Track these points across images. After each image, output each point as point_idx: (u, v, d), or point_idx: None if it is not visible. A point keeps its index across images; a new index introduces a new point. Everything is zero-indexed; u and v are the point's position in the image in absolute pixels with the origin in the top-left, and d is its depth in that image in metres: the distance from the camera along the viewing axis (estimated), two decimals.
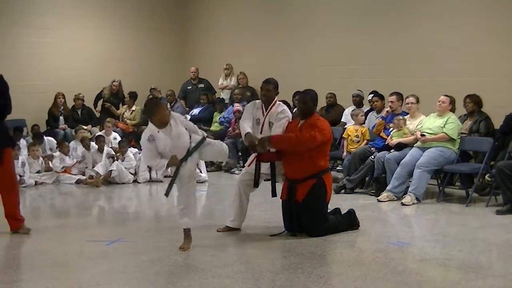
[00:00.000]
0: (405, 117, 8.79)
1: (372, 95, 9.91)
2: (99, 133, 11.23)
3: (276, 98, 6.56)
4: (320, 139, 6.10)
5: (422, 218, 7.39)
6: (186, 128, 5.68)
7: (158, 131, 5.49)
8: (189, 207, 5.71)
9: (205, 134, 5.97)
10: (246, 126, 6.49)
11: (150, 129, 5.56)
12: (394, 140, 8.57)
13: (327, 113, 10.70)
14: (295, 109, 10.89)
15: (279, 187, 6.47)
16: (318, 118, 6.35)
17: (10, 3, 12.91)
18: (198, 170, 10.01)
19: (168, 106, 12.78)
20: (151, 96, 12.66)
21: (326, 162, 6.42)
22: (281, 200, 6.40)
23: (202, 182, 9.71)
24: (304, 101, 6.36)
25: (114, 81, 12.92)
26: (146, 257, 5.45)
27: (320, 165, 6.22)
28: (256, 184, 6.43)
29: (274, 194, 6.45)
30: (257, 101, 6.68)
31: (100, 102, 13.14)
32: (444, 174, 8.44)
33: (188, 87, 13.27)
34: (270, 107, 6.48)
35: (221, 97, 12.86)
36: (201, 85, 13.16)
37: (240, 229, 6.56)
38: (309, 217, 6.17)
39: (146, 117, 5.91)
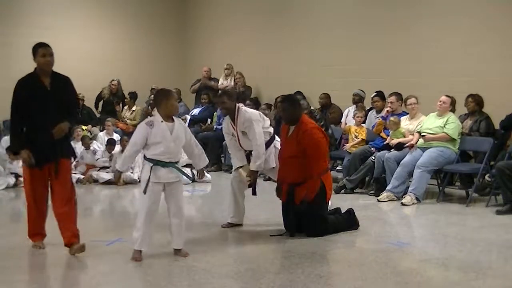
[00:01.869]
0: (403, 117, 8.81)
1: (375, 94, 9.90)
2: (103, 135, 11.26)
3: (237, 106, 6.46)
4: (323, 157, 6.18)
5: (422, 218, 7.39)
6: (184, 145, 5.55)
7: (162, 121, 5.34)
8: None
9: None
10: (235, 161, 6.60)
11: (155, 117, 5.40)
12: (394, 140, 8.59)
13: (323, 114, 10.68)
14: None
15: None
16: (306, 129, 6.16)
17: (11, 3, 12.92)
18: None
19: None
20: (157, 89, 12.64)
21: (326, 163, 6.42)
22: (281, 201, 6.41)
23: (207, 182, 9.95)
24: (283, 108, 6.27)
25: (112, 80, 12.92)
26: (146, 257, 5.44)
27: (322, 166, 6.22)
28: (254, 192, 6.56)
29: (254, 192, 6.55)
30: (226, 117, 6.61)
31: (100, 103, 13.15)
32: (444, 174, 8.45)
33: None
34: (235, 118, 6.42)
35: None
36: (212, 82, 13.07)
37: (242, 224, 6.66)
38: (308, 218, 6.17)
39: (154, 106, 5.65)
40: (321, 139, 6.18)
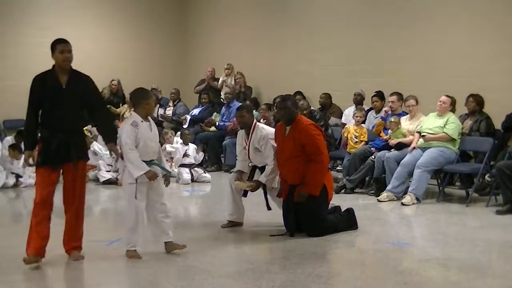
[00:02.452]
0: (403, 117, 8.81)
1: (375, 93, 9.91)
2: None
3: (254, 121, 6.60)
4: (323, 152, 6.17)
5: (422, 218, 7.39)
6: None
7: (142, 121, 5.43)
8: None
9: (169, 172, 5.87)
10: (238, 165, 6.75)
11: (135, 117, 5.47)
12: (394, 140, 8.58)
13: (323, 114, 10.68)
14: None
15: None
16: (302, 127, 6.18)
17: (12, 4, 12.93)
18: (202, 171, 10.10)
19: (170, 104, 12.78)
20: (157, 88, 12.66)
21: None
22: (282, 200, 6.43)
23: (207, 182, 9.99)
24: (284, 106, 6.23)
25: (112, 80, 12.89)
26: (146, 257, 5.44)
27: None
28: (268, 207, 6.62)
29: (268, 207, 6.62)
30: (242, 130, 6.72)
31: None
32: (444, 174, 8.44)
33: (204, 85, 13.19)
34: (251, 133, 6.51)
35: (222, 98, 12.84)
36: (215, 83, 13.02)
37: (242, 223, 6.67)
38: (308, 217, 6.18)
39: (132, 104, 5.73)
40: (318, 135, 6.19)
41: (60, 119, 5.20)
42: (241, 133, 6.72)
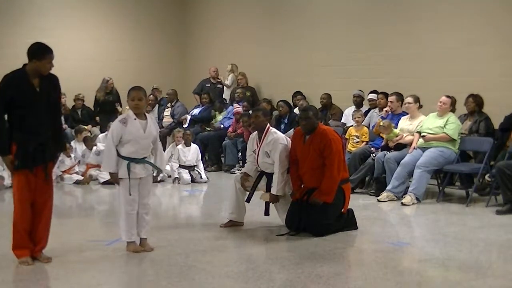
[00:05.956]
0: (403, 117, 8.79)
1: (376, 94, 9.90)
2: (102, 137, 11.24)
3: (268, 125, 6.61)
4: (338, 156, 6.21)
5: (422, 218, 7.39)
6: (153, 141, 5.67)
7: (135, 119, 5.48)
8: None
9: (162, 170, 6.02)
10: (246, 165, 6.88)
11: (128, 114, 5.56)
12: (391, 142, 8.57)
13: (323, 114, 10.68)
14: (295, 108, 10.93)
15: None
16: (320, 132, 6.30)
17: (11, 4, 12.93)
18: (197, 172, 10.07)
19: (169, 105, 12.78)
20: (151, 95, 12.66)
21: (346, 172, 6.50)
22: (291, 199, 6.47)
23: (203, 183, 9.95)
24: (306, 117, 6.35)
25: (108, 80, 12.79)
26: (146, 257, 5.45)
27: (341, 175, 6.29)
28: (267, 213, 6.64)
29: (267, 213, 6.63)
30: (255, 132, 6.75)
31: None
32: (444, 174, 8.45)
33: (207, 85, 13.13)
34: (263, 136, 6.54)
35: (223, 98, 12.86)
36: (220, 86, 13.07)
37: (242, 223, 6.67)
38: (317, 218, 6.18)
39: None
40: (333, 140, 6.24)
41: (36, 122, 5.14)
42: (253, 136, 6.74)
